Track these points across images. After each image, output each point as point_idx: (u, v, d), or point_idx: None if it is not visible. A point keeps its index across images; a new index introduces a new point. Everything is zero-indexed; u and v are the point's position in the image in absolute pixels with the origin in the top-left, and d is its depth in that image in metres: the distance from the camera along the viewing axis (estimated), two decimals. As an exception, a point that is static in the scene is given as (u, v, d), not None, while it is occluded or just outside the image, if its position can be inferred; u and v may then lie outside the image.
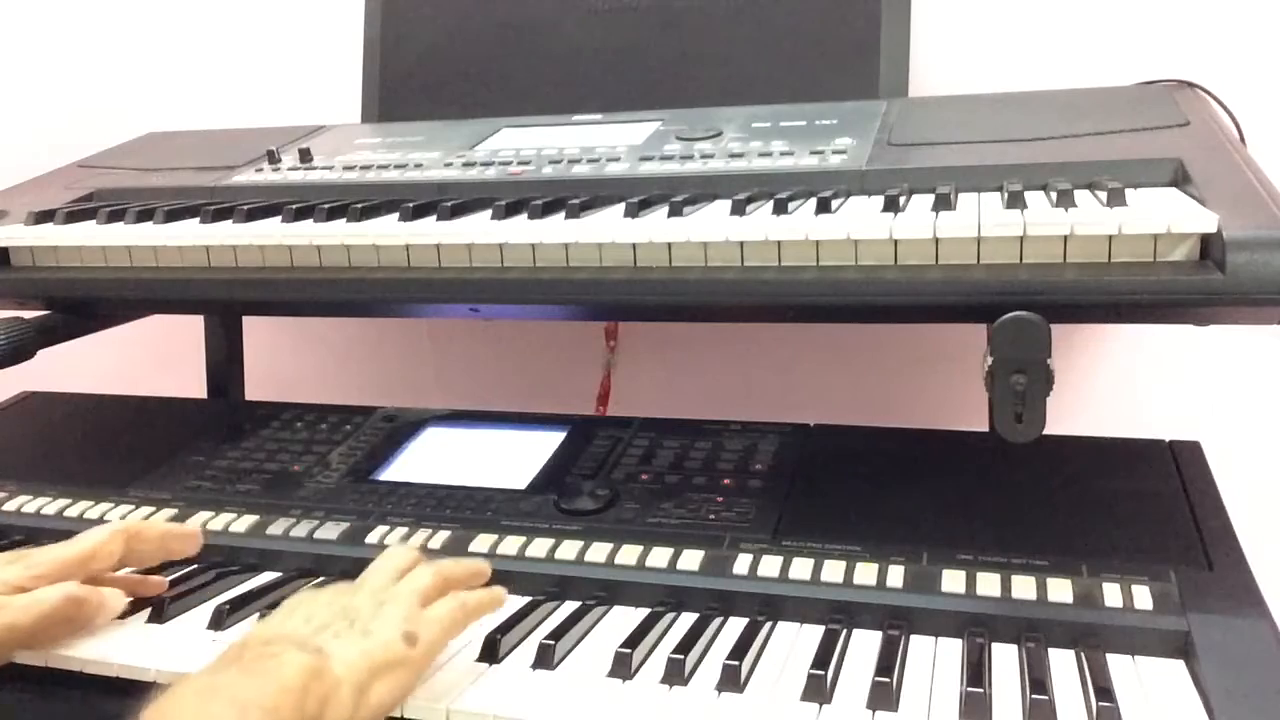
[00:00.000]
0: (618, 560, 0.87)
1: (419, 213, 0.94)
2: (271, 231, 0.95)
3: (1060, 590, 0.78)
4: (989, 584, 0.80)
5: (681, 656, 0.73)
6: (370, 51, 1.37)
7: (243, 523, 0.98)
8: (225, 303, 1.20)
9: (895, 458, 1.01)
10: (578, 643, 0.79)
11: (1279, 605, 0.76)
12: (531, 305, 0.92)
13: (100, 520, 1.00)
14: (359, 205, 0.95)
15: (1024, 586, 0.79)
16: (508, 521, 0.94)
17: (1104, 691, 0.67)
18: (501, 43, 1.32)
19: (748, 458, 1.02)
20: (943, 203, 0.80)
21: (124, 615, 0.85)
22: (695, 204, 0.90)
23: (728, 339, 1.48)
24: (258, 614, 0.83)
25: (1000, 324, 0.74)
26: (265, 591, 0.88)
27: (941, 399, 1.38)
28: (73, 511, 1.02)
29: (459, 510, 0.97)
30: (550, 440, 1.08)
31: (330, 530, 0.95)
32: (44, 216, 1.05)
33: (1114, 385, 1.34)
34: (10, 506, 1.04)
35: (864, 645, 0.77)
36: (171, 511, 1.01)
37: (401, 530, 0.94)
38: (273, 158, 1.17)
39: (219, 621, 0.83)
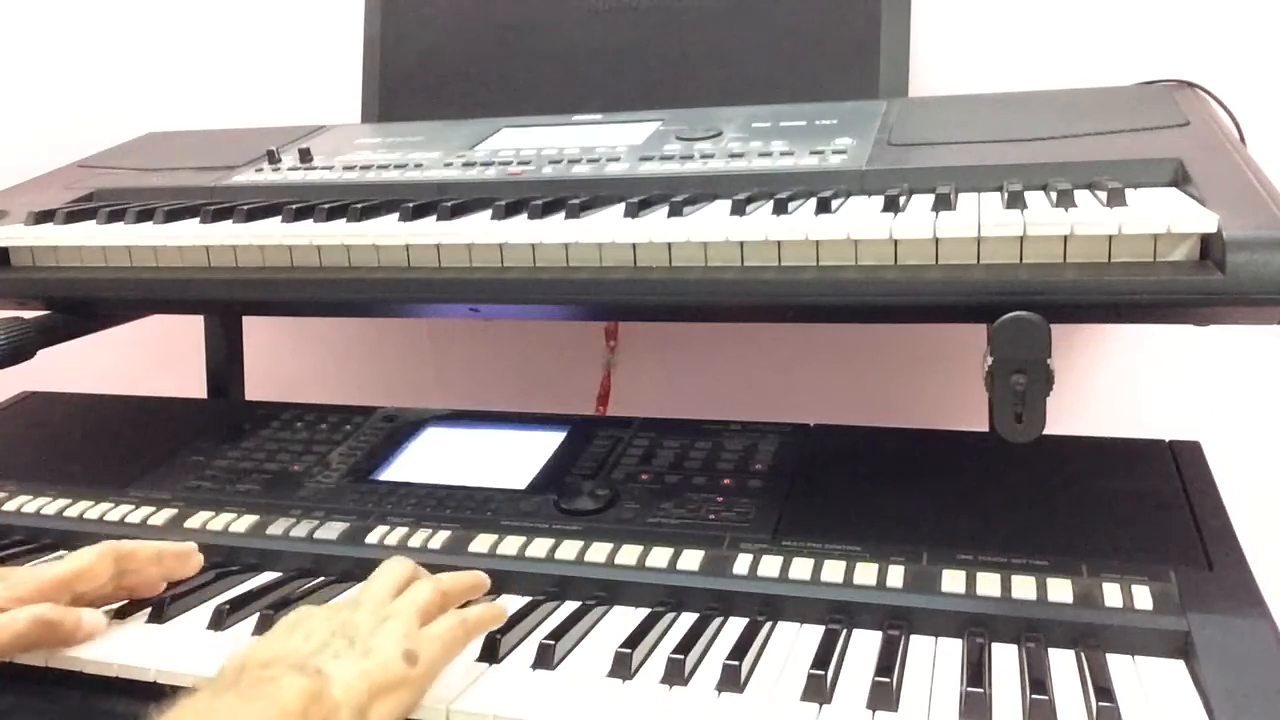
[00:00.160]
0: (618, 560, 0.87)
1: (419, 213, 0.94)
2: (271, 231, 0.95)
3: (1060, 590, 0.78)
4: (989, 584, 0.80)
5: (681, 656, 0.73)
6: (370, 51, 1.37)
7: (243, 523, 0.98)
8: (225, 303, 1.20)
9: (895, 458, 1.01)
10: (578, 643, 0.79)
11: (1279, 605, 0.76)
12: (531, 305, 0.92)
13: (100, 520, 1.01)
14: (359, 205, 0.95)
15: (1024, 586, 0.79)
16: (508, 521, 0.94)
17: (1104, 691, 0.67)
18: (501, 43, 1.32)
19: (748, 458, 1.02)
20: (943, 203, 0.80)
21: (124, 615, 0.85)
22: (695, 204, 0.90)
23: (728, 339, 1.48)
24: (258, 614, 0.83)
25: (1000, 324, 0.74)
26: (265, 591, 0.88)
27: (941, 399, 1.38)
28: (73, 511, 1.02)
29: (459, 510, 0.97)
30: (550, 440, 1.08)
31: (330, 530, 0.95)
32: (44, 216, 1.05)
33: (1114, 385, 1.34)
34: (10, 506, 1.04)
35: (864, 645, 0.77)
36: (172, 512, 1.01)
37: (401, 530, 0.94)
38: (273, 158, 1.17)
39: (219, 622, 0.83)
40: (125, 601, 0.86)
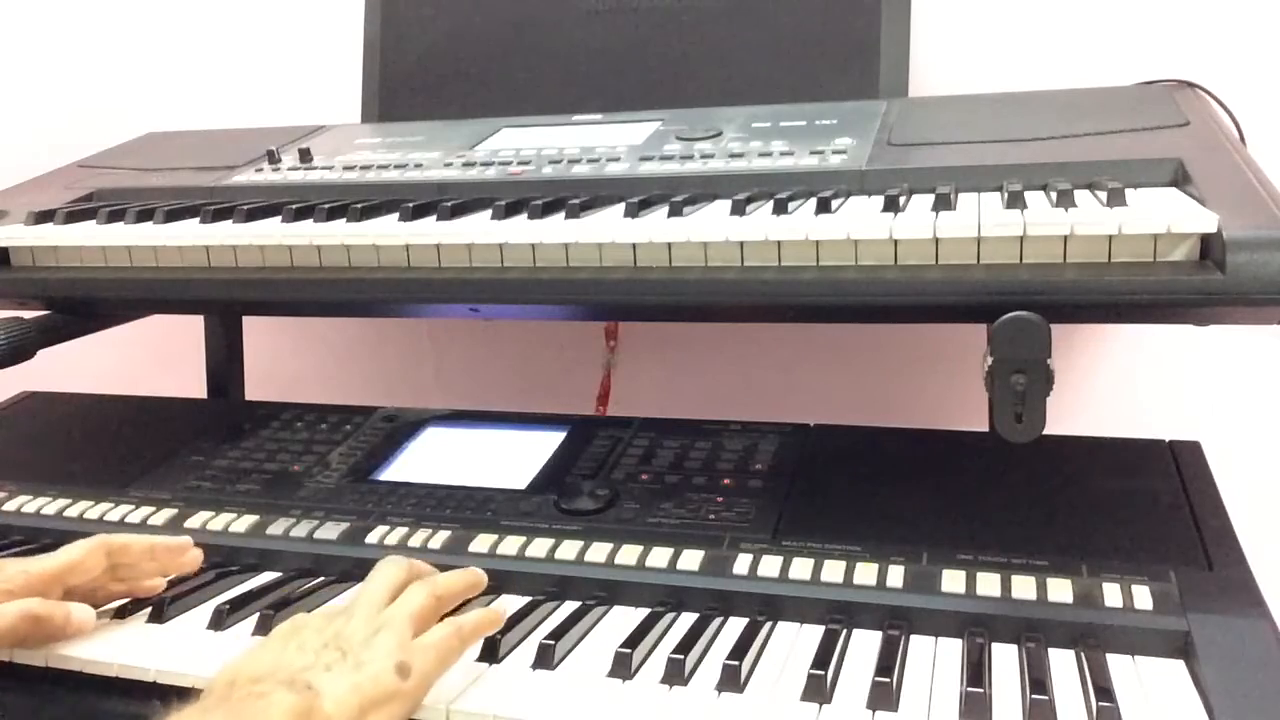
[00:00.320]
0: (618, 560, 0.87)
1: (419, 213, 0.94)
2: (271, 231, 0.95)
3: (1060, 590, 0.78)
4: (989, 584, 0.80)
5: (681, 656, 0.73)
6: (370, 51, 1.37)
7: (243, 523, 0.98)
8: (225, 303, 1.20)
9: (895, 458, 1.01)
10: (578, 643, 0.79)
11: (1279, 605, 0.76)
12: (531, 305, 0.92)
13: (100, 520, 1.01)
14: (359, 205, 0.95)
15: (1024, 586, 0.79)
16: (508, 521, 0.94)
17: (1104, 691, 0.67)
18: (501, 43, 1.32)
19: (748, 458, 1.02)
20: (943, 203, 0.80)
21: (124, 615, 0.85)
22: (695, 204, 0.90)
23: (728, 339, 1.48)
24: (258, 614, 0.83)
25: (1000, 324, 0.74)
26: (265, 591, 0.88)
27: (941, 399, 1.38)
28: (73, 511, 1.02)
29: (459, 510, 0.97)
30: (550, 440, 1.08)
31: (330, 530, 0.95)
32: (44, 216, 1.05)
33: (1114, 385, 1.34)
34: (10, 506, 1.04)
35: (864, 645, 0.77)
36: (172, 512, 1.01)
37: (401, 530, 0.94)
38: (273, 158, 1.17)
39: (219, 622, 0.83)
40: (125, 601, 0.86)
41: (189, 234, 0.98)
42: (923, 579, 0.81)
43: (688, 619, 0.81)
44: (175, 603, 0.86)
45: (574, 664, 0.76)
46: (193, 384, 1.42)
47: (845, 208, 0.86)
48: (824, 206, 0.84)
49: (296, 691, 0.63)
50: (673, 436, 1.06)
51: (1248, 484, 1.02)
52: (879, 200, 0.85)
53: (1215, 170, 0.84)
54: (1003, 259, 0.78)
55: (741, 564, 0.85)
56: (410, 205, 0.94)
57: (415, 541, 0.92)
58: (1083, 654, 0.73)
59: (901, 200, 0.83)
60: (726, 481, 0.98)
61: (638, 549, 0.88)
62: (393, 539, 0.93)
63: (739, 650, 0.74)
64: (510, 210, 0.92)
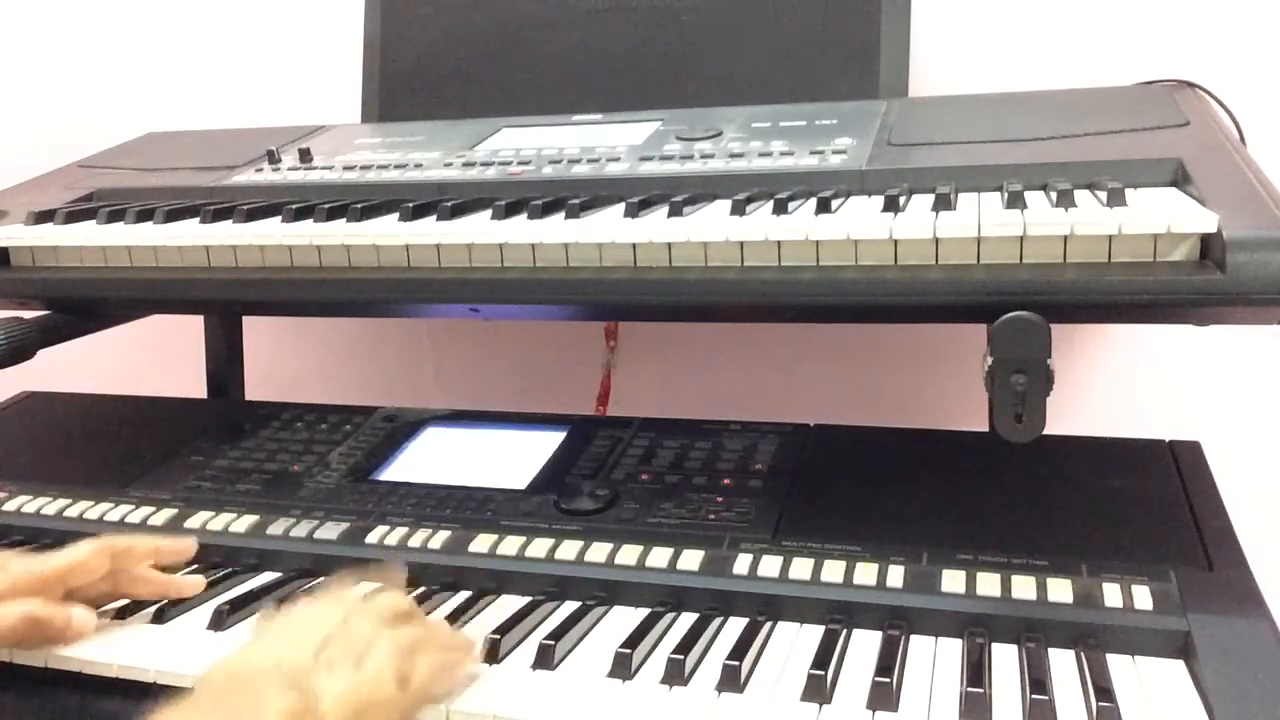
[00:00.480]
0: (618, 560, 0.87)
1: (419, 213, 0.94)
2: (271, 231, 0.95)
3: (1060, 590, 0.78)
4: (989, 584, 0.80)
5: (681, 656, 0.73)
6: (370, 51, 1.37)
7: (243, 523, 0.98)
8: (225, 303, 1.20)
9: (895, 458, 1.01)
10: (578, 643, 0.79)
11: (1279, 605, 0.76)
12: (531, 305, 0.92)
13: (100, 520, 1.01)
14: (359, 205, 0.95)
15: (1024, 586, 0.79)
16: (508, 521, 0.94)
17: (1104, 691, 0.67)
18: (501, 43, 1.32)
19: (748, 458, 1.02)
20: (943, 203, 0.80)
21: (124, 615, 0.85)
22: (695, 204, 0.90)
23: (728, 339, 1.48)
24: (258, 614, 0.83)
25: (1000, 324, 0.74)
26: (265, 592, 0.88)
27: (941, 399, 1.38)
28: (73, 511, 1.02)
29: (459, 510, 0.97)
30: (550, 440, 1.08)
31: (330, 530, 0.95)
32: (44, 216, 1.05)
33: (1114, 385, 1.34)
34: (10, 506, 1.04)
35: (864, 645, 0.77)
36: (172, 512, 1.01)
37: (401, 530, 0.94)
38: (273, 158, 1.17)
39: (219, 622, 0.83)
40: (125, 602, 0.86)
41: (189, 234, 0.98)
42: (923, 579, 0.81)
43: (688, 619, 0.81)
44: (175, 603, 0.86)
45: (574, 664, 0.76)
46: (193, 384, 1.42)
47: (845, 208, 0.86)
48: (824, 206, 0.84)
49: (293, 692, 0.63)
50: (673, 436, 1.06)
51: (1248, 484, 1.02)
52: (879, 200, 0.85)
53: (1215, 170, 0.84)
54: (1003, 259, 0.78)
55: (741, 564, 0.85)
56: (410, 205, 0.94)
57: (415, 541, 0.92)
58: (1083, 654, 0.73)
59: (901, 200, 0.83)
60: (726, 481, 0.98)
61: (638, 549, 0.88)
62: (393, 539, 0.93)
63: (739, 650, 0.74)
64: (510, 210, 0.92)
